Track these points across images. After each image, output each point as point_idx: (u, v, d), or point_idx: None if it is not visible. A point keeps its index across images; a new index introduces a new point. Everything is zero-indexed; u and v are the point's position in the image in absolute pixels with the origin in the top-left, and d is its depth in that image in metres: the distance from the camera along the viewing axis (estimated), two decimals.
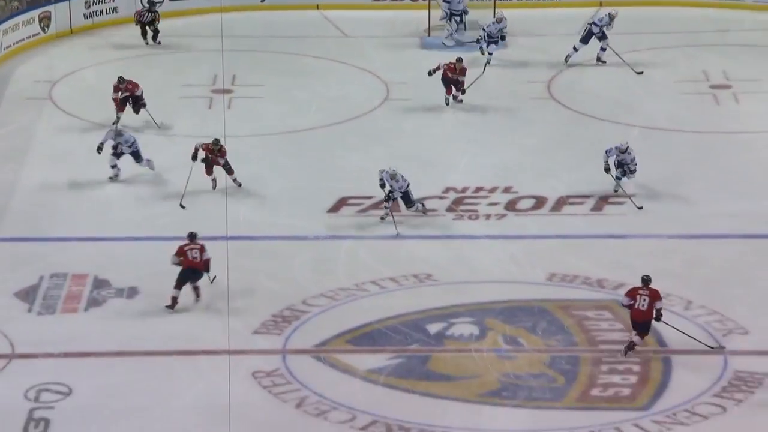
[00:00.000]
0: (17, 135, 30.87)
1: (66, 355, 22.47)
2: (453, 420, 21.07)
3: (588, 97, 32.84)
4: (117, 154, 27.66)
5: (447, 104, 31.69)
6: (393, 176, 25.93)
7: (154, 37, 35.34)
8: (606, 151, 26.96)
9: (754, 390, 21.59)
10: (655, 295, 21.37)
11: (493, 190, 28.07)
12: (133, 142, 27.65)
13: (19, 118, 31.71)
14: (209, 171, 27.40)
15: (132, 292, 24.41)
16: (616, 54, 33.81)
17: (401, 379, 22.15)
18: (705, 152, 30.07)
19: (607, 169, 26.97)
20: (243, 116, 31.40)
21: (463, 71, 31.31)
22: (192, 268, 23.07)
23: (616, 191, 27.25)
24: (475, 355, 22.72)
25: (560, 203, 27.55)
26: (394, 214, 26.09)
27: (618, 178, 27.05)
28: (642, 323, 21.40)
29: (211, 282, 23.34)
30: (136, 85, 30.03)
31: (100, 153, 27.57)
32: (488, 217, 27.13)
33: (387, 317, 23.62)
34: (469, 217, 27.13)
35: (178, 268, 23.11)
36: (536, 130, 30.74)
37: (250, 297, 23.89)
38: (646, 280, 21.66)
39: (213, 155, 27.16)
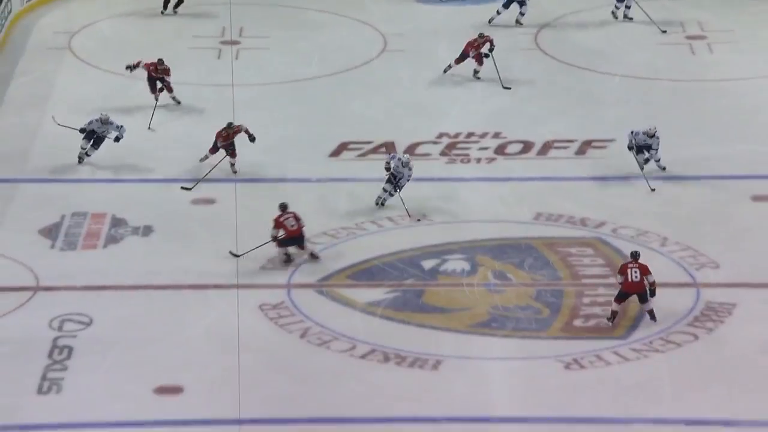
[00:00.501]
0: (39, 83, 30.79)
1: (86, 288, 22.67)
2: (446, 349, 21.18)
3: (572, 48, 32.73)
4: (98, 138, 26.29)
5: (445, 72, 30.59)
6: (406, 164, 24.60)
7: (177, 6, 34.59)
8: (631, 132, 25.58)
9: (723, 319, 21.76)
10: (644, 269, 20.81)
11: (483, 135, 28.05)
12: (118, 129, 26.32)
13: (40, 67, 31.60)
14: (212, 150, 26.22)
15: (147, 230, 24.51)
16: (643, 11, 33.55)
17: (398, 311, 22.27)
18: (681, 99, 30.02)
19: (631, 147, 25.55)
20: (250, 66, 31.33)
21: (487, 41, 29.77)
22: (292, 237, 22.73)
23: (643, 173, 25.69)
24: (466, 289, 22.86)
25: (546, 147, 27.57)
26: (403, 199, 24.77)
27: (642, 161, 25.74)
28: (636, 294, 20.88)
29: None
30: (168, 71, 28.58)
31: (83, 134, 26.20)
32: (479, 161, 27.16)
33: (385, 254, 23.73)
34: (461, 161, 27.18)
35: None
36: (524, 79, 30.65)
37: (258, 234, 23.90)
38: (635, 255, 21.12)
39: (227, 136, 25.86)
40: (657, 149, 25.39)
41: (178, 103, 28.43)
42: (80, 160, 26.18)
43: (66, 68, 31.62)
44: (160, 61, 27.88)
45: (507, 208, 25.36)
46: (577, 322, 21.83)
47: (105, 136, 26.00)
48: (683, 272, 23.07)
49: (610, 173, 26.38)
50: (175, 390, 20.05)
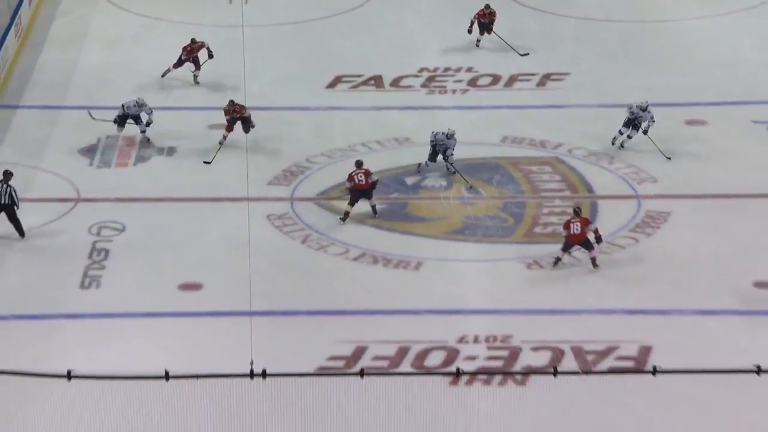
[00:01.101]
0: (77, 24, 30.71)
1: (120, 200, 22.91)
2: (426, 253, 21.45)
3: None
4: (130, 117, 24.62)
5: (477, 45, 29.11)
6: (451, 136, 23.18)
7: None
8: (628, 107, 23.95)
9: (660, 225, 22.08)
10: (584, 222, 20.19)
11: (458, 70, 28.08)
12: (150, 113, 24.61)
13: (78, 10, 31.46)
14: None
15: (171, 150, 24.74)
16: None
17: (385, 220, 22.50)
18: (629, 37, 29.90)
19: (628, 121, 23.86)
20: (257, 9, 30.90)
21: (493, 15, 28.59)
22: (360, 190, 22.02)
23: (614, 143, 24.27)
24: (443, 201, 23.11)
25: (512, 80, 27.65)
26: (455, 169, 23.53)
27: (621, 134, 24.00)
28: (580, 243, 20.25)
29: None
30: (202, 45, 26.95)
31: (117, 124, 24.65)
32: (454, 92, 27.25)
33: (374, 171, 23.92)
34: (439, 92, 27.25)
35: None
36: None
37: (265, 155, 24.14)
38: (577, 211, 20.50)
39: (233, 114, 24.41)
40: (647, 121, 23.68)
41: (197, 82, 27.04)
42: (116, 123, 24.69)
43: (99, 10, 31.46)
44: (193, 40, 26.69)
45: (478, 132, 25.48)
46: (537, 229, 22.14)
47: (138, 116, 24.42)
48: (627, 186, 23.33)
49: (566, 102, 26.46)
50: (196, 286, 20.36)
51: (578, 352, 18.59)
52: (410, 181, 23.75)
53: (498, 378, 18.14)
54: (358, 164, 22.13)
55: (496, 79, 27.70)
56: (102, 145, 24.97)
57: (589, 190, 23.34)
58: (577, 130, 25.19)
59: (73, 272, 20.76)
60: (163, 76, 26.55)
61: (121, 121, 24.31)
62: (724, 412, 17.15)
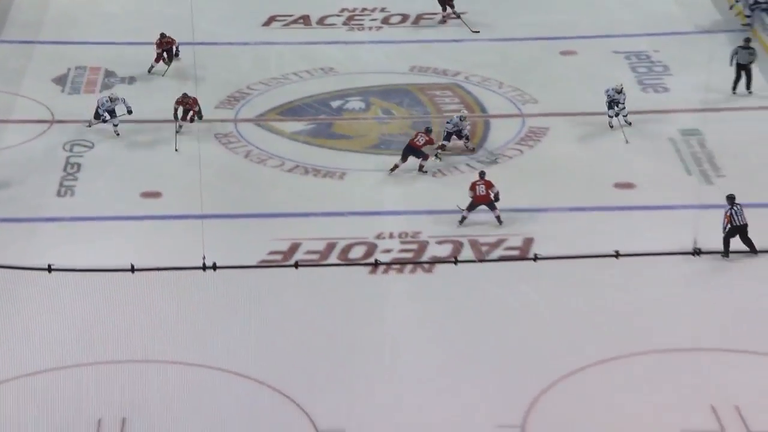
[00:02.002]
0: None
1: (88, 121, 22.26)
2: (349, 164, 21.34)
3: None
4: (107, 111, 21.83)
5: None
6: (464, 118, 21.37)
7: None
8: (605, 90, 21.93)
9: (540, 138, 22.11)
10: (488, 185, 19.06)
11: (373, 9, 27.63)
12: (125, 102, 22.00)
13: None
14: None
15: (131, 80, 24.24)
16: None
17: (314, 138, 22.32)
18: None
19: (608, 103, 21.82)
20: None
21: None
22: (480, 202, 19.21)
23: (611, 126, 21.84)
24: (362, 121, 22.94)
25: (418, 18, 27.26)
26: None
27: (611, 117, 21.77)
28: (485, 203, 19.09)
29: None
30: (173, 41, 24.22)
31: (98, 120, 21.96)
32: (370, 28, 26.84)
33: (304, 96, 23.70)
34: (358, 29, 26.83)
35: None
36: None
37: (212, 84, 23.79)
38: (482, 174, 19.34)
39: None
40: (624, 104, 21.67)
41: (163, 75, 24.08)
42: (90, 125, 22.00)
43: None
44: (162, 35, 24.02)
45: (390, 63, 25.22)
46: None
47: (115, 108, 21.75)
48: (513, 106, 23.30)
49: (462, 37, 26.11)
50: (156, 194, 20.14)
51: (474, 244, 18.68)
52: (335, 104, 23.51)
53: (409, 267, 18.21)
54: (481, 175, 19.33)
55: (405, 17, 27.34)
56: (72, 75, 24.41)
57: (483, 110, 23.28)
58: (473, 61, 25.08)
59: (51, 183, 20.46)
60: (150, 72, 24.09)
61: (97, 116, 21.77)
62: (590, 288, 17.38)
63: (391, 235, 19.08)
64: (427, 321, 16.99)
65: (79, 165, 21.07)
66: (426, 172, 20.47)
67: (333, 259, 18.32)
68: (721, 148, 21.19)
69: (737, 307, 16.97)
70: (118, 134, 21.62)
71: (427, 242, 18.84)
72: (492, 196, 18.88)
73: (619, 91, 21.46)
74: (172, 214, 19.64)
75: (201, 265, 12.98)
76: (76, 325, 16.76)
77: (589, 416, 14.99)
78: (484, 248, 18.63)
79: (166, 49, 23.89)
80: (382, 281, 17.95)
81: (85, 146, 21.69)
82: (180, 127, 21.83)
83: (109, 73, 24.42)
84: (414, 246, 18.78)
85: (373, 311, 17.24)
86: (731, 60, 22.65)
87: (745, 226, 17.64)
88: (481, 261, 17.66)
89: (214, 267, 13.04)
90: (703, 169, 20.82)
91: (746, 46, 22.62)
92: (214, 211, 19.26)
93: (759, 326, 16.51)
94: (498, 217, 19.00)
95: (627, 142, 21.22)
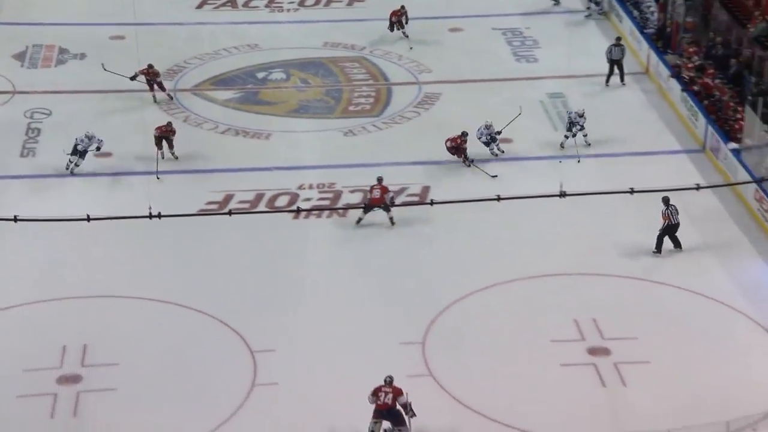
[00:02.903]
0: None
1: (45, 92, 21.89)
2: (273, 127, 21.11)
3: None
4: (80, 152, 19.04)
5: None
6: (489, 126, 19.52)
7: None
8: (567, 113, 20.18)
9: (434, 102, 22.08)
10: (384, 189, 17.35)
11: None
12: (99, 141, 19.26)
13: None
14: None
15: (83, 56, 23.62)
16: None
17: (243, 104, 22.02)
18: None
19: (569, 125, 19.82)
20: None
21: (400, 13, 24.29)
22: (375, 205, 17.33)
23: (562, 146, 19.72)
24: (284, 90, 22.65)
25: (329, 1, 26.69)
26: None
27: (566, 137, 19.67)
28: (378, 206, 17.40)
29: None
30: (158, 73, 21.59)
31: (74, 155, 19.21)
32: (288, 10, 26.34)
33: (233, 69, 23.37)
34: (278, 11, 26.30)
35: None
36: None
37: (153, 59, 22.85)
38: (379, 179, 17.62)
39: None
40: (583, 126, 19.69)
41: (171, 98, 21.60)
42: (69, 169, 19.10)
43: None
44: (150, 66, 21.38)
45: (306, 39, 24.87)
46: (351, 108, 21.92)
47: (87, 150, 19.04)
48: (411, 75, 23.20)
49: (370, 17, 25.69)
50: (108, 155, 19.75)
51: (383, 191, 18.69)
52: (260, 75, 23.18)
53: (326, 213, 18.21)
54: (379, 180, 17.61)
55: (318, 0, 26.95)
56: (30, 51, 23.72)
57: (386, 78, 23.18)
58: (378, 38, 24.88)
59: (14, 145, 19.99)
60: (131, 79, 21.32)
61: (75, 151, 19.01)
62: (477, 226, 17.59)
63: (310, 186, 19.03)
64: (342, 257, 17.04)
65: (39, 130, 20.59)
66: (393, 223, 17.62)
67: (261, 207, 18.22)
68: (580, 108, 21.05)
69: (596, 240, 17.38)
70: (70, 170, 18.93)
71: (342, 191, 18.82)
72: (387, 200, 17.25)
73: (581, 115, 19.48)
74: (126, 170, 19.30)
75: (148, 214, 12.76)
76: (41, 267, 16.53)
77: (477, 331, 15.27)
78: (390, 195, 18.62)
79: (157, 81, 21.26)
80: (304, 225, 17.94)
81: (43, 113, 21.17)
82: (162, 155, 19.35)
83: (62, 50, 23.75)
84: (330, 195, 18.75)
85: (296, 250, 17.24)
86: (607, 57, 22.33)
87: (678, 225, 16.62)
88: (386, 205, 17.73)
89: (159, 216, 12.81)
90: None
91: (618, 44, 22.31)
92: (164, 168, 19.01)
93: (613, 255, 16.94)
94: (391, 219, 17.40)
95: (579, 161, 19.11)
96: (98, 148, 19.26)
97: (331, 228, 17.90)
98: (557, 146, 19.96)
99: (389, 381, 13.03)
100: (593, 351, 14.84)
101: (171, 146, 19.57)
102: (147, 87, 21.30)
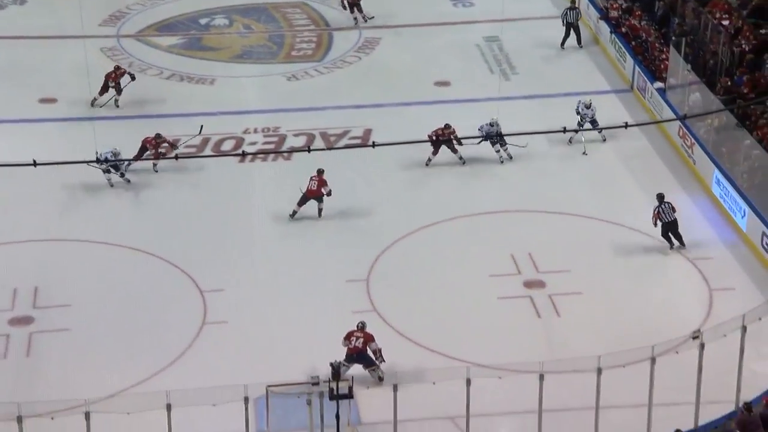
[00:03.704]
0: None
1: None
2: (217, 72, 20.71)
3: None
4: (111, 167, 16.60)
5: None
6: (494, 124, 17.30)
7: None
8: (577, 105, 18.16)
9: (375, 47, 21.83)
10: (321, 182, 16.10)
11: None
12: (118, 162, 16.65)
13: None
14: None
15: (23, 1, 22.85)
16: None
17: (186, 50, 21.66)
18: None
19: (578, 112, 18.01)
20: None
21: None
22: (310, 197, 16.12)
23: (570, 141, 17.92)
24: (227, 35, 22.21)
25: None
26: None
27: (576, 131, 17.61)
28: (314, 197, 16.17)
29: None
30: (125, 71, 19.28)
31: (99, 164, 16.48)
32: None
33: (177, 15, 22.86)
34: None
35: None
36: None
37: (96, 3, 22.54)
38: (319, 171, 16.17)
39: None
40: (595, 120, 17.89)
41: (117, 106, 19.17)
42: (111, 183, 16.82)
43: None
44: (117, 67, 19.34)
45: None
46: (294, 53, 21.66)
47: (118, 163, 16.56)
48: (352, 21, 22.69)
49: None
50: (52, 100, 19.31)
51: (325, 135, 18.60)
52: (203, 21, 22.78)
53: (271, 156, 18.03)
54: (319, 172, 16.25)
55: None
56: None
57: (327, 24, 22.89)
58: None
59: None
60: (92, 105, 18.94)
61: (107, 170, 16.64)
62: (417, 168, 17.56)
63: (255, 130, 18.81)
64: (287, 199, 16.89)
65: None
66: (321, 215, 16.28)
67: (208, 151, 17.96)
68: (515, 51, 21.42)
69: (531, 178, 17.51)
70: (128, 181, 16.79)
71: (286, 135, 18.63)
72: (325, 192, 16.08)
73: (588, 106, 17.76)
74: (67, 117, 18.85)
75: (94, 159, 12.44)
76: None
77: (418, 268, 15.35)
78: (332, 138, 18.56)
79: (117, 82, 18.92)
80: (250, 168, 17.75)
81: None
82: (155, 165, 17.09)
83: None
84: (275, 138, 18.54)
85: (242, 193, 17.07)
86: (563, 20, 21.67)
87: (675, 221, 15.32)
88: (330, 149, 17.61)
89: (107, 161, 12.54)
90: (502, 68, 21.14)
91: (573, 7, 21.75)
92: (103, 114, 18.60)
93: (547, 192, 17.08)
94: (320, 210, 16.15)
95: (585, 153, 17.66)
96: (122, 174, 16.60)
97: (277, 171, 17.75)
98: (495, 89, 19.95)
99: (361, 326, 12.98)
100: (529, 284, 15.03)
101: (119, 92, 18.54)
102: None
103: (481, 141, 17.33)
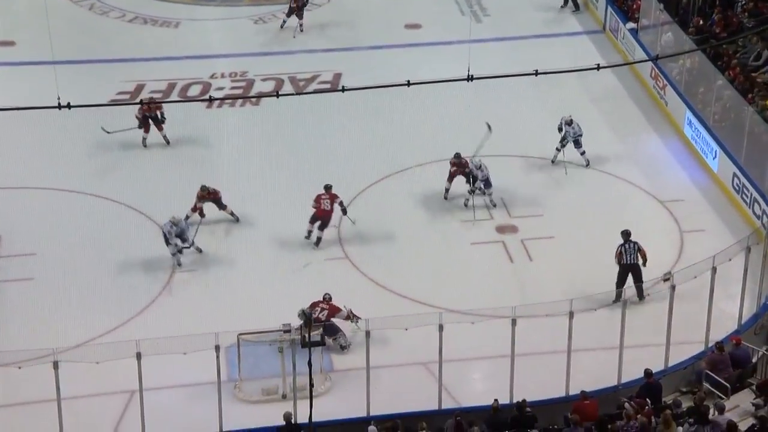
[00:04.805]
0: None
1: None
2: (181, 15, 20.22)
3: None
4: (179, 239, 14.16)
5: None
6: (479, 166, 15.18)
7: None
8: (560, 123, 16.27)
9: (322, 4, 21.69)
10: (333, 197, 14.44)
11: None
12: (182, 230, 14.16)
13: None
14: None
15: None
16: None
17: None
18: None
19: (562, 134, 16.07)
20: None
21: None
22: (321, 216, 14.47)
23: (553, 162, 16.17)
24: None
25: None
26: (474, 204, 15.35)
27: (558, 150, 16.09)
28: (325, 218, 14.46)
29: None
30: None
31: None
32: None
33: None
34: None
35: None
36: None
37: None
38: (327, 187, 14.63)
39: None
40: (580, 141, 16.05)
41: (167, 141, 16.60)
42: (179, 263, 14.17)
43: None
44: (151, 99, 17.25)
45: None
46: None
47: (182, 234, 14.16)
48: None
49: None
50: (10, 43, 18.94)
51: (294, 80, 18.35)
52: None
53: (239, 101, 17.75)
54: (327, 188, 14.74)
55: None
56: None
57: None
58: None
59: None
60: (145, 145, 16.48)
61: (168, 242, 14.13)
62: (388, 112, 17.28)
63: (222, 75, 18.49)
64: (258, 146, 16.71)
65: None
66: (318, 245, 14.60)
67: (174, 97, 17.65)
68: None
69: (502, 123, 17.35)
70: (200, 250, 14.34)
71: (254, 80, 18.32)
72: (342, 210, 14.55)
73: (569, 123, 16.01)
74: (26, 60, 18.39)
75: (57, 105, 12.10)
76: None
77: (392, 214, 15.26)
78: (301, 83, 18.30)
79: (152, 116, 16.41)
80: (217, 114, 17.46)
81: None
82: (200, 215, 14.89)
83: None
84: (242, 83, 18.24)
85: (210, 140, 16.81)
86: None
87: (638, 266, 13.22)
88: (299, 94, 17.34)
89: (69, 106, 12.17)
90: (473, 10, 20.89)
91: None
92: (65, 58, 17.93)
93: (519, 136, 16.95)
94: (319, 240, 14.49)
95: (566, 173, 16.01)
96: (184, 240, 14.12)
97: (245, 117, 17.47)
98: (466, 31, 19.65)
99: (328, 298, 12.76)
100: (501, 229, 15.01)
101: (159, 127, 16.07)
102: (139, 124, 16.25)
103: (475, 191, 15.04)
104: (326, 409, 11.37)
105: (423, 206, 15.40)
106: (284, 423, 11.02)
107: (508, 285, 13.95)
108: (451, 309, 12.64)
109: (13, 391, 11.34)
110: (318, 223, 14.48)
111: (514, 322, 11.54)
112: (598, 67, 12.89)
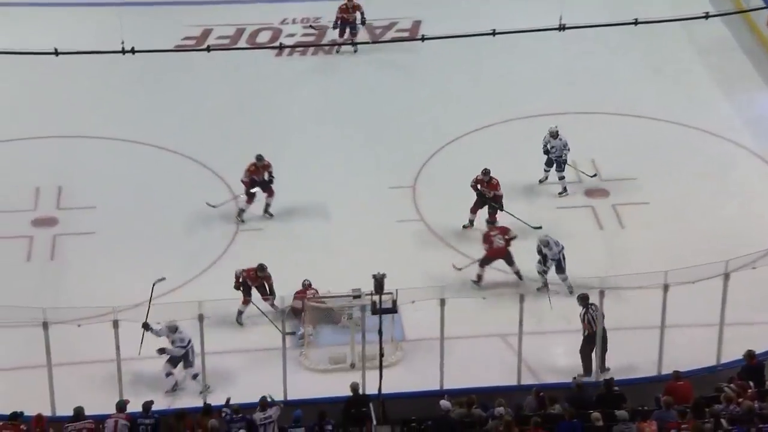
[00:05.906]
0: None
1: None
2: None
3: None
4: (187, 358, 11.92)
5: None
6: (546, 244, 12.95)
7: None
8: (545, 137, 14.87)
9: None
10: (503, 230, 13.19)
11: None
12: (187, 343, 11.78)
13: None
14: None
15: None
16: None
17: None
18: None
19: (546, 152, 14.68)
20: None
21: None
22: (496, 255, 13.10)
23: (541, 181, 14.88)
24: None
25: None
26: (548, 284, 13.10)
27: (546, 170, 14.78)
28: (501, 257, 13.06)
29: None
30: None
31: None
32: None
33: None
34: None
35: None
36: None
37: None
38: (492, 221, 13.78)
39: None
40: (559, 151, 14.56)
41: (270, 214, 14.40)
42: (192, 378, 11.93)
43: None
44: (259, 158, 14.12)
45: None
46: None
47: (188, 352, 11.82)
48: None
49: None
50: None
51: (369, 28, 17.97)
52: None
53: (311, 49, 17.67)
54: (492, 222, 13.62)
55: None
56: None
57: None
58: None
59: None
60: (243, 221, 14.29)
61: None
62: (471, 64, 16.97)
63: (294, 21, 18.38)
64: (328, 98, 16.64)
65: None
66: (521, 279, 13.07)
67: (242, 43, 17.59)
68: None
69: (596, 76, 16.93)
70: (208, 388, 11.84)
71: (327, 27, 18.14)
72: (510, 242, 13.12)
73: (555, 135, 14.50)
74: (90, 1, 18.49)
75: (121, 49, 12.09)
76: (10, 105, 16.08)
77: (470, 174, 14.90)
78: (377, 31, 18.05)
79: (261, 179, 14.14)
80: (287, 63, 17.41)
81: None
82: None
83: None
84: (315, 30, 18.05)
85: (279, 89, 16.78)
86: None
87: (604, 330, 11.65)
88: (375, 42, 17.11)
89: (133, 51, 12.15)
90: None
91: None
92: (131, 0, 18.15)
93: (613, 91, 16.46)
94: (517, 273, 13.04)
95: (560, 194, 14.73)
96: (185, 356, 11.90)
97: (317, 66, 17.34)
98: None
99: (308, 284, 12.36)
100: (590, 193, 14.63)
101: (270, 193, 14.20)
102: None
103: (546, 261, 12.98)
104: (396, 381, 11.26)
105: (504, 166, 14.68)
106: (351, 394, 10.96)
107: (596, 253, 13.58)
108: (533, 278, 12.34)
109: (72, 349, 11.50)
110: (496, 263, 12.98)
111: (602, 293, 11.26)
112: (707, 16, 12.38)
